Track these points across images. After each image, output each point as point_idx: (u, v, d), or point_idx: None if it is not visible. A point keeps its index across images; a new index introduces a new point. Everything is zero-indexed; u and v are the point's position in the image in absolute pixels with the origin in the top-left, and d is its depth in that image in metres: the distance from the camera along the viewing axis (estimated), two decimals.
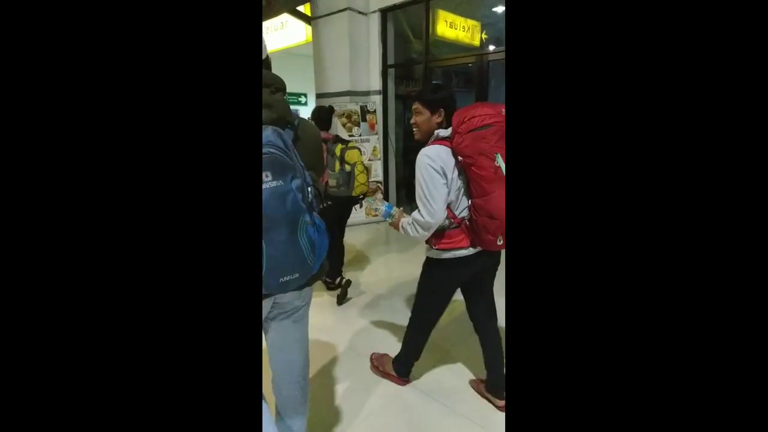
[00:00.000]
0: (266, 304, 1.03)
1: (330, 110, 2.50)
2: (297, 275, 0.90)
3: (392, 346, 1.90)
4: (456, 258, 1.41)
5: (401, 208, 1.54)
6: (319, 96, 4.58)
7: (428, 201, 1.30)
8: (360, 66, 4.32)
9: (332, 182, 2.32)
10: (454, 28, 4.42)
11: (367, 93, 4.47)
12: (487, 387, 1.63)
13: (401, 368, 1.72)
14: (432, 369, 1.83)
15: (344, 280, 2.53)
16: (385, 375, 1.77)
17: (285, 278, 0.88)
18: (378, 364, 1.81)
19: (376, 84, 4.45)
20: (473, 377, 1.76)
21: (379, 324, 2.27)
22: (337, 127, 4.04)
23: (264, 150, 0.81)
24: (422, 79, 4.45)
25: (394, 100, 4.67)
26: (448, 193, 1.32)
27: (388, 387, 1.72)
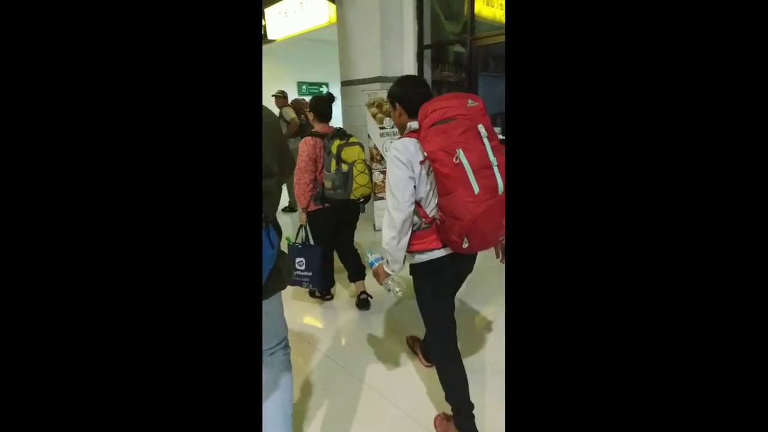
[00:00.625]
0: None
1: (329, 100, 2.28)
2: None
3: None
4: (433, 260, 1.36)
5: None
6: (344, 84, 4.13)
7: (393, 194, 1.28)
8: (392, 48, 3.92)
9: (327, 183, 2.11)
10: (491, 5, 3.92)
11: None
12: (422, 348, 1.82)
13: (460, 420, 1.44)
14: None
15: (362, 294, 2.46)
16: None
17: None
18: (442, 428, 1.54)
19: (410, 68, 4.05)
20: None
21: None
22: (367, 118, 3.72)
23: None
24: (456, 63, 3.88)
25: (431, 86, 4.33)
26: (415, 186, 1.28)
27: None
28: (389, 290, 1.42)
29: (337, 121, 3.43)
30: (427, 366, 1.82)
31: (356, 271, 2.47)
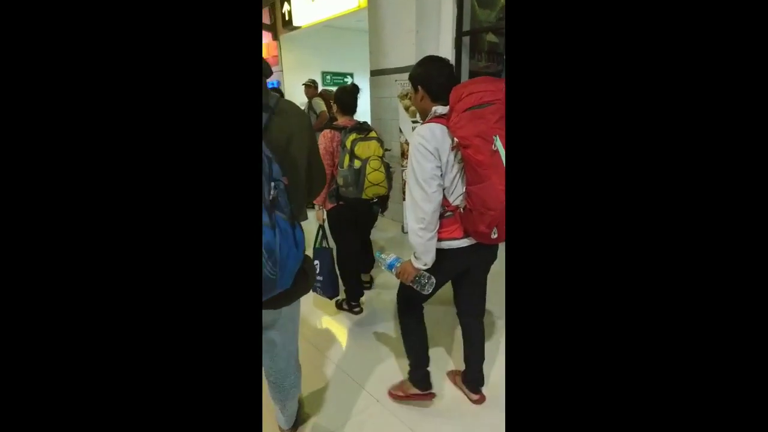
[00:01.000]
0: None
1: (354, 91, 2.12)
2: None
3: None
4: (450, 249, 1.31)
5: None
6: (374, 73, 3.81)
7: (421, 185, 1.20)
8: (429, 35, 3.60)
9: (339, 180, 1.96)
10: None
11: None
12: (464, 379, 1.63)
13: (416, 375, 1.56)
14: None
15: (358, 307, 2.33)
16: (410, 398, 1.61)
17: None
18: (397, 391, 1.64)
19: (447, 56, 3.83)
20: (452, 368, 1.76)
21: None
22: (399, 111, 3.46)
23: None
24: (489, 53, 3.63)
25: (468, 77, 3.91)
26: (442, 176, 1.22)
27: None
28: (422, 287, 1.33)
29: (364, 114, 3.14)
30: (474, 400, 1.64)
31: (368, 261, 2.48)
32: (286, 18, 5.61)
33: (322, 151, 1.98)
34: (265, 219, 0.75)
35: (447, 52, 3.65)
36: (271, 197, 0.78)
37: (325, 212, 2.14)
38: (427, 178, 1.20)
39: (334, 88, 2.81)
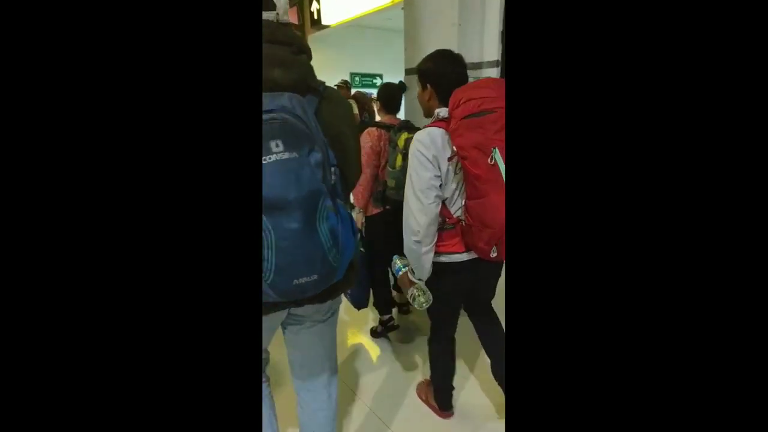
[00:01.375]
0: (278, 316, 0.90)
1: (400, 89, 2.07)
2: (315, 277, 0.72)
3: None
4: (452, 263, 1.24)
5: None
6: (410, 72, 3.44)
7: (417, 195, 1.13)
8: (472, 29, 3.28)
9: (390, 182, 1.85)
10: None
11: (479, 65, 3.40)
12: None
13: (438, 397, 1.56)
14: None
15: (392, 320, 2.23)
16: (429, 405, 1.62)
17: (300, 280, 0.70)
18: (421, 392, 1.67)
19: (492, 53, 3.37)
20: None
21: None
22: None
23: (275, 115, 0.68)
24: None
25: None
26: (441, 186, 1.15)
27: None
28: (414, 300, 1.32)
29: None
30: (441, 415, 1.63)
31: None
32: (315, 17, 5.40)
33: (367, 149, 1.89)
34: (329, 203, 0.72)
35: (493, 47, 3.34)
36: (332, 182, 0.75)
37: (363, 216, 1.99)
38: (424, 188, 1.13)
39: (365, 90, 2.66)
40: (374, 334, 2.35)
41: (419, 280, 1.29)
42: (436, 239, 1.22)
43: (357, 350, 2.24)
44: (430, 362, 1.58)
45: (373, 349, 2.27)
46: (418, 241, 1.18)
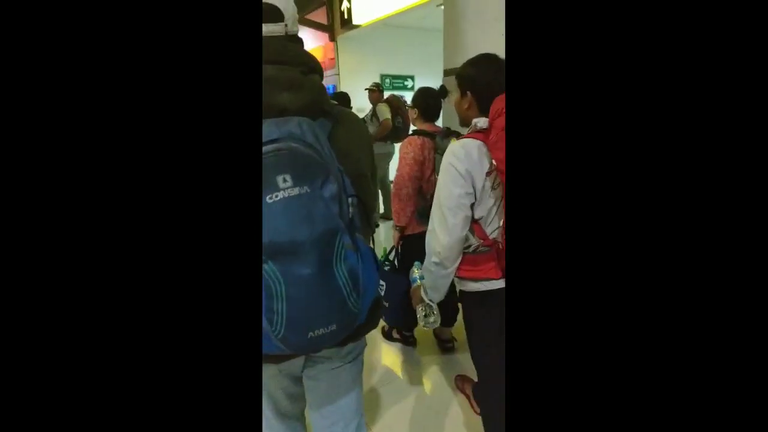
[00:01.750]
0: (295, 363, 0.85)
1: (441, 94, 1.83)
2: (334, 327, 0.63)
3: None
4: (488, 291, 1.07)
5: None
6: (449, 73, 3.16)
7: (443, 212, 1.01)
8: None
9: None
10: None
11: None
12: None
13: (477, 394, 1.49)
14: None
15: (448, 342, 2.09)
16: (466, 395, 1.59)
17: (316, 332, 0.61)
18: (463, 385, 1.63)
19: None
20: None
21: None
22: None
23: (282, 145, 0.61)
24: None
25: None
26: (473, 205, 1.01)
27: None
28: (422, 318, 1.22)
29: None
30: (477, 413, 1.53)
31: (447, 315, 1.79)
32: (345, 17, 5.16)
33: (410, 160, 1.69)
34: (347, 240, 0.64)
35: None
36: (350, 215, 0.68)
37: (399, 233, 1.79)
38: (453, 205, 1.01)
39: (398, 93, 2.41)
40: (387, 336, 2.26)
41: (430, 300, 1.19)
42: (458, 263, 1.09)
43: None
44: (484, 417, 1.32)
45: (387, 353, 2.16)
46: (437, 263, 1.07)
